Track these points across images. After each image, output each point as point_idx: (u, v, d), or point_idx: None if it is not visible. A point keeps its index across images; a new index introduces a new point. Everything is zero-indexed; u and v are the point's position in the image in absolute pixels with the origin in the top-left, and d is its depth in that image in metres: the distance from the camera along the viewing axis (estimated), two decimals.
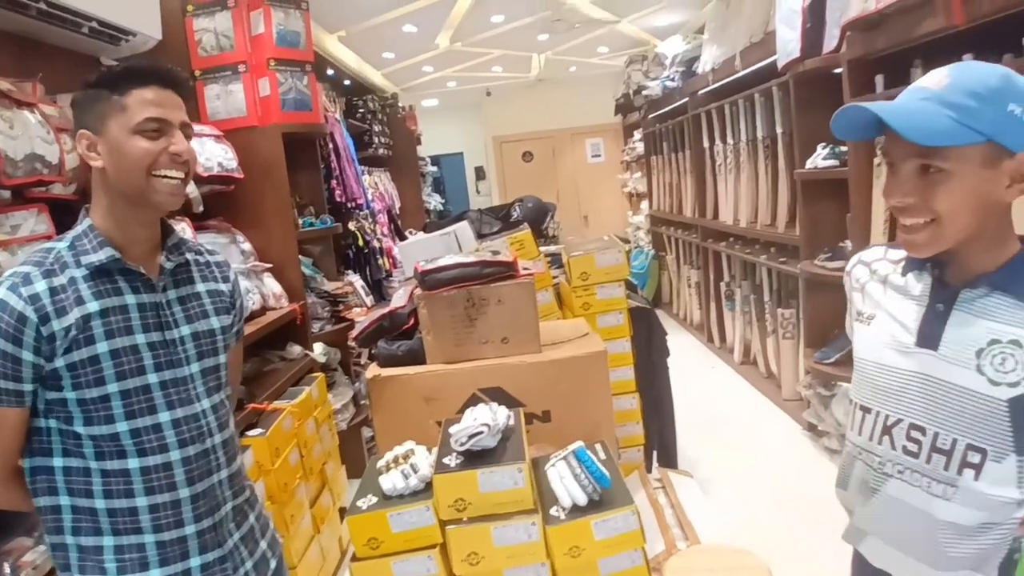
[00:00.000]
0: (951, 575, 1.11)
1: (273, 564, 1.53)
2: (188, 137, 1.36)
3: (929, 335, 1.10)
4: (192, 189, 2.65)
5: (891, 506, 1.13)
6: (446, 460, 1.75)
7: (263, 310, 3.08)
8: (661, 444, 3.31)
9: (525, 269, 2.27)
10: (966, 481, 1.05)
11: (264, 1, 3.18)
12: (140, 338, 1.30)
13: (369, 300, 4.78)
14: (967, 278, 1.10)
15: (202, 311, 1.42)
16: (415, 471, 1.78)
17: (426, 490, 1.75)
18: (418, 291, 2.26)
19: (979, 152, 1.01)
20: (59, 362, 1.23)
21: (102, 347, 1.25)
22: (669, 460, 3.32)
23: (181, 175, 1.33)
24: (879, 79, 3.12)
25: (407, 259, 3.02)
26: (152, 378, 1.30)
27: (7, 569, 1.56)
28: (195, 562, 1.34)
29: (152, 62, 1.34)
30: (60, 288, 1.24)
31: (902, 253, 1.21)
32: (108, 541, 1.29)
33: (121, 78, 1.30)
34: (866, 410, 1.18)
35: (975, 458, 1.04)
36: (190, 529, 1.34)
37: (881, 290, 1.22)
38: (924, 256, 1.11)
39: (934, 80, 1.06)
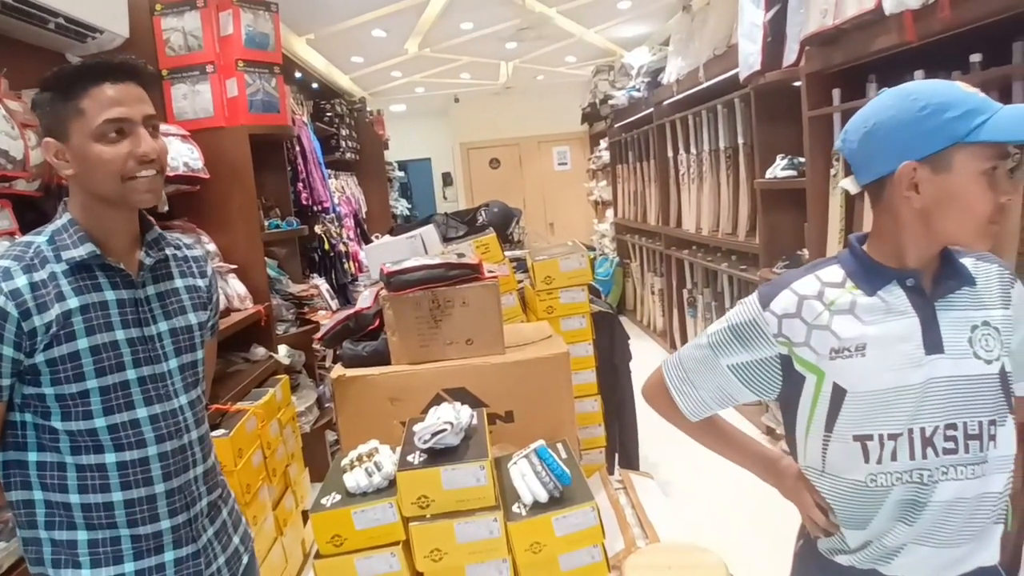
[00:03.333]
0: (990, 541, 1.19)
1: (245, 559, 1.54)
2: (155, 129, 1.31)
3: (933, 341, 1.15)
4: None
5: (943, 509, 1.16)
6: (410, 458, 1.77)
7: (227, 311, 3.06)
8: (623, 446, 3.36)
9: (490, 272, 2.30)
10: (991, 452, 1.15)
11: (233, 2, 3.17)
12: (120, 334, 1.29)
13: (334, 303, 4.76)
14: (928, 280, 1.18)
15: (180, 307, 1.42)
16: (379, 469, 1.80)
17: (390, 488, 1.77)
18: (384, 292, 2.28)
19: None
20: (39, 358, 1.22)
21: (82, 343, 1.24)
22: (630, 462, 3.37)
23: (154, 172, 1.29)
24: (836, 93, 3.23)
25: (374, 261, 3.03)
26: (131, 374, 1.30)
27: None
28: (169, 556, 1.35)
29: (105, 56, 1.27)
30: (41, 283, 1.23)
31: (835, 276, 1.22)
32: (82, 535, 1.30)
33: (73, 78, 1.23)
34: (895, 436, 1.16)
35: (993, 430, 1.15)
36: (165, 524, 1.34)
37: (853, 319, 1.18)
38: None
39: None
